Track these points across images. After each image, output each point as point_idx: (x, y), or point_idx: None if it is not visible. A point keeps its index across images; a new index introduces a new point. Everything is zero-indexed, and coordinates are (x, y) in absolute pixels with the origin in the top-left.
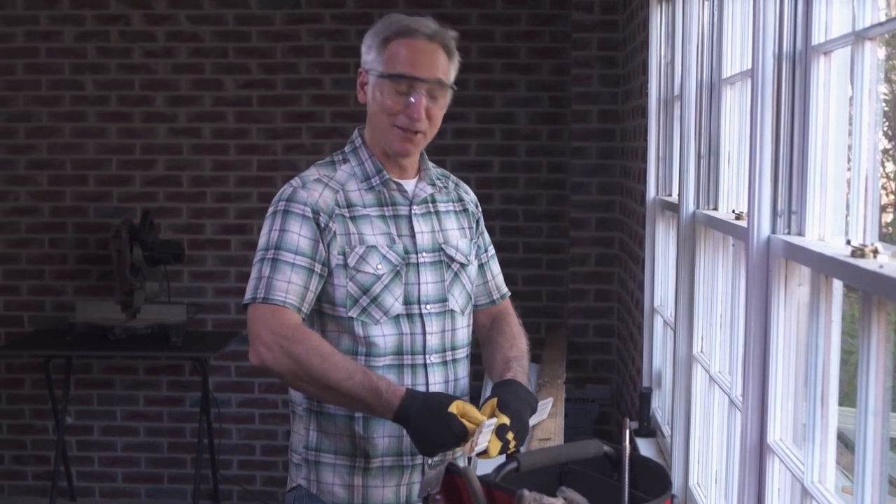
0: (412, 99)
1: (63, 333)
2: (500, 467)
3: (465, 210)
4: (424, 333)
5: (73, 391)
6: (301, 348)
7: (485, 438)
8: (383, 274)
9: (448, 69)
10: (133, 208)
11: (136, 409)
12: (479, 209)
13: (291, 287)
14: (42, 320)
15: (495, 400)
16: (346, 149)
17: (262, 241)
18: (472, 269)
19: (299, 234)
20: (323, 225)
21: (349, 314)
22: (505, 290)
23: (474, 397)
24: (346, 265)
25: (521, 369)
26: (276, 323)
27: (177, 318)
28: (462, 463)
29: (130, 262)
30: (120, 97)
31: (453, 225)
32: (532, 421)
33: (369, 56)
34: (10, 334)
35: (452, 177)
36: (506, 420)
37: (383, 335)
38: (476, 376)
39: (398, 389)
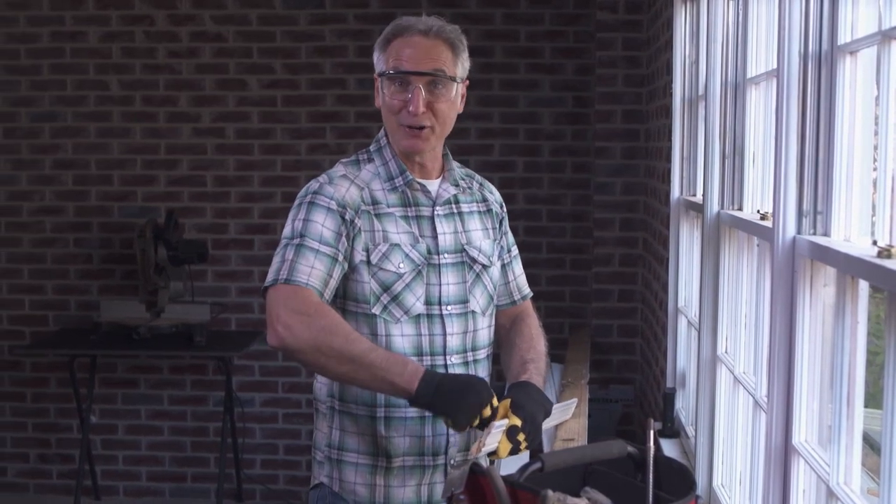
0: (409, 94)
1: (88, 333)
2: (524, 467)
3: (489, 210)
4: (445, 334)
5: (98, 390)
6: (325, 322)
7: (494, 439)
8: (405, 273)
9: (452, 62)
10: (157, 208)
11: (160, 409)
12: (504, 209)
13: (315, 272)
14: (67, 319)
15: (509, 401)
16: (372, 147)
17: (286, 230)
18: (495, 270)
19: (323, 225)
20: (349, 219)
21: (372, 311)
22: (526, 290)
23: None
24: (369, 262)
25: (536, 371)
26: (297, 301)
27: (201, 318)
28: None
29: (155, 262)
30: (144, 97)
31: (477, 226)
32: (555, 421)
33: (375, 59)
34: (36, 333)
35: (477, 177)
36: (517, 422)
37: (402, 335)
38: (499, 376)
39: (420, 366)
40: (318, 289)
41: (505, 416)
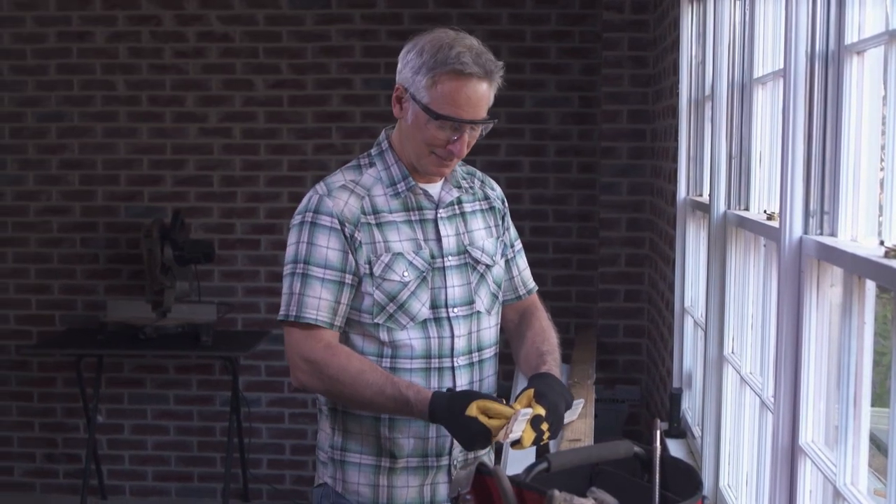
0: (455, 137)
1: (94, 332)
2: (530, 467)
3: (492, 208)
4: (452, 336)
5: (104, 390)
6: (331, 371)
7: (520, 427)
8: (410, 281)
9: (490, 98)
10: (164, 208)
11: (167, 408)
12: (506, 205)
13: (322, 303)
14: (73, 319)
15: (532, 390)
16: (373, 151)
17: (290, 251)
18: (499, 268)
19: (328, 248)
20: (349, 234)
21: (375, 320)
22: (532, 284)
23: (502, 397)
24: (372, 274)
25: (554, 363)
26: (307, 347)
27: (207, 318)
28: (490, 459)
29: (161, 262)
30: (151, 97)
31: (479, 225)
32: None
33: (414, 81)
34: (42, 333)
35: (478, 173)
36: (541, 411)
37: (410, 339)
38: (506, 375)
39: (425, 397)
40: (328, 321)
41: (529, 406)
